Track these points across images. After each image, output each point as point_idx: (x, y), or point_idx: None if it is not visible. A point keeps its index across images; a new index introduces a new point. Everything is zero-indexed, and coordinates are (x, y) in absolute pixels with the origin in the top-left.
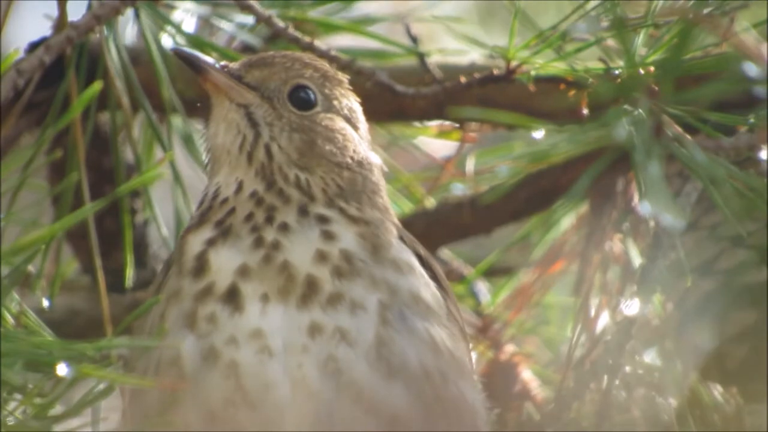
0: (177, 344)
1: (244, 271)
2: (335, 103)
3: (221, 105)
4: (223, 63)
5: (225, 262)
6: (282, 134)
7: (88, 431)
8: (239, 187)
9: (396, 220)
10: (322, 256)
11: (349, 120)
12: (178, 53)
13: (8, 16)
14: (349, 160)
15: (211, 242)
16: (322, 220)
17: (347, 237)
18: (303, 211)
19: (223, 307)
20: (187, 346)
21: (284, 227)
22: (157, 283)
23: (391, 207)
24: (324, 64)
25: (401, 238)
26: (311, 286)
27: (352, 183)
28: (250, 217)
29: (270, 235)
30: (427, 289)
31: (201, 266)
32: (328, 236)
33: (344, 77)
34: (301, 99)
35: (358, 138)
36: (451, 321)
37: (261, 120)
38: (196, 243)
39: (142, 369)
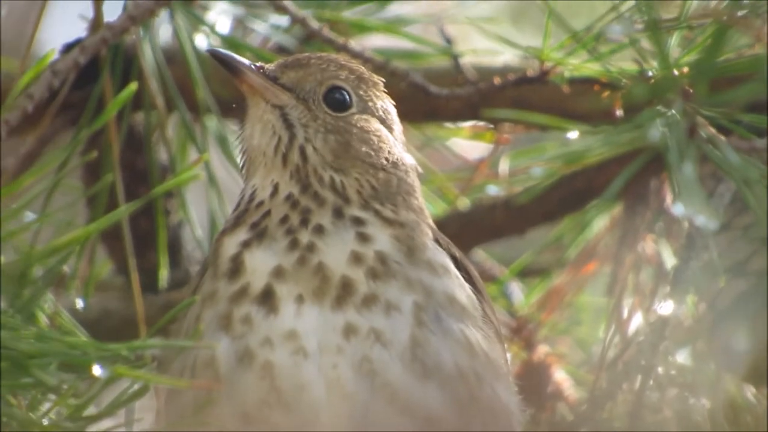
0: (212, 345)
1: (278, 273)
2: (370, 104)
3: (257, 106)
4: (258, 64)
5: (260, 264)
6: (317, 135)
7: None
8: (275, 190)
9: (431, 222)
10: (357, 258)
11: (383, 121)
12: (213, 54)
13: (43, 16)
14: (384, 162)
15: (246, 244)
16: (357, 222)
17: (382, 239)
18: (338, 213)
19: (258, 308)
20: (222, 347)
21: (319, 229)
22: (192, 285)
23: (426, 208)
24: (359, 66)
25: (436, 240)
26: (346, 287)
27: (387, 184)
28: (285, 219)
29: (305, 237)
30: (462, 291)
31: (236, 268)
32: (363, 238)
33: (379, 79)
34: (336, 100)
35: (392, 139)
36: (487, 323)
37: (296, 121)
38: (231, 245)
39: (177, 370)
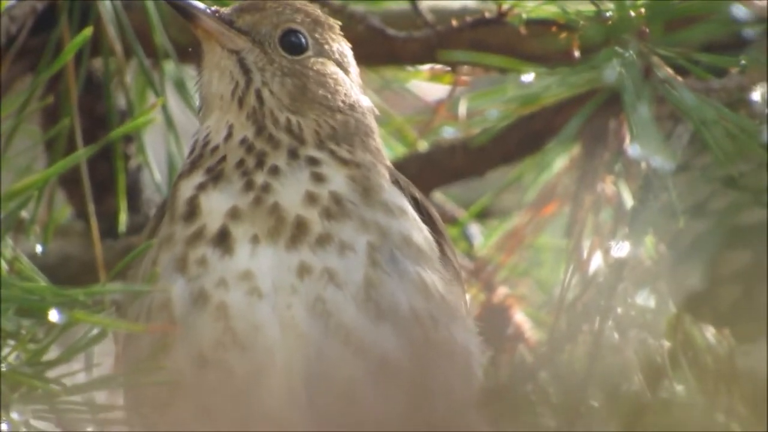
0: (167, 288)
1: (234, 214)
2: (326, 47)
3: (212, 51)
4: (214, 8)
5: (215, 206)
6: (274, 79)
7: (81, 376)
8: (229, 133)
9: (389, 164)
10: (311, 198)
11: (340, 64)
12: (168, 0)
13: None
14: (341, 104)
15: (201, 187)
16: (312, 161)
17: (337, 179)
18: (293, 154)
19: (213, 249)
20: (178, 289)
21: (274, 170)
22: (149, 229)
23: (384, 150)
24: (315, 9)
25: (395, 182)
26: (300, 227)
27: (345, 126)
28: (240, 163)
29: (260, 178)
30: (419, 233)
31: (192, 210)
32: (318, 178)
33: (335, 22)
34: (292, 43)
35: (349, 82)
36: (445, 265)
37: (252, 65)
38: (187, 188)
39: (133, 314)
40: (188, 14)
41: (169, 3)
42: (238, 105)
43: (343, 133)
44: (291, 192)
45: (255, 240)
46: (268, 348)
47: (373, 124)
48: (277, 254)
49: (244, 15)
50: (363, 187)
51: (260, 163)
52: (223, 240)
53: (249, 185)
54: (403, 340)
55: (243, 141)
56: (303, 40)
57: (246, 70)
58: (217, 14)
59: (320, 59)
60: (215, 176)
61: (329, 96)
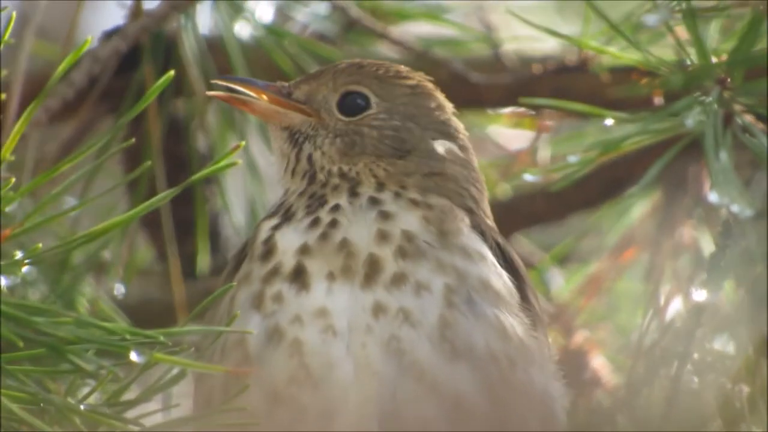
0: (246, 330)
1: (304, 250)
2: (391, 102)
3: (271, 129)
4: (272, 84)
5: (288, 244)
6: (324, 141)
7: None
8: (288, 190)
9: (481, 209)
10: (383, 236)
11: (410, 117)
12: (217, 95)
13: (83, 2)
14: (400, 152)
15: (276, 227)
16: (375, 201)
17: (409, 219)
18: (353, 193)
19: (289, 286)
20: (252, 325)
21: (336, 208)
22: (227, 271)
23: (479, 197)
24: (381, 66)
25: (476, 227)
26: (373, 265)
27: (405, 170)
28: (307, 207)
29: (325, 215)
30: (498, 278)
31: (269, 249)
32: (385, 216)
33: (409, 72)
34: (351, 105)
35: (419, 132)
36: (525, 311)
37: (302, 137)
38: (264, 230)
39: (209, 351)
40: (241, 102)
41: (220, 96)
42: (291, 176)
43: (405, 177)
44: (359, 228)
45: (331, 277)
46: (341, 385)
47: (454, 169)
48: (353, 293)
49: (302, 85)
50: (439, 229)
51: (323, 203)
52: (299, 276)
53: (316, 222)
54: (479, 380)
55: (303, 192)
56: (362, 101)
57: (295, 143)
58: (275, 88)
59: (382, 115)
60: (288, 217)
61: (383, 147)
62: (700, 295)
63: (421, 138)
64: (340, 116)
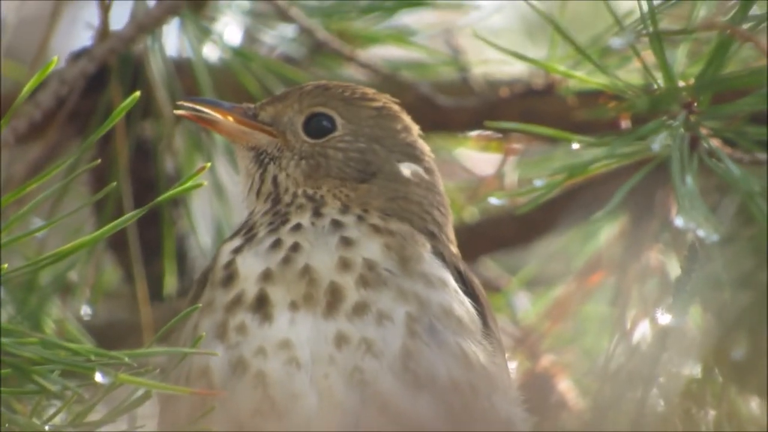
0: (213, 353)
1: (267, 276)
2: (357, 124)
3: (237, 149)
4: (237, 105)
5: (249, 270)
6: (290, 163)
7: None
8: (253, 210)
9: (443, 233)
10: (345, 264)
11: (375, 139)
12: (185, 115)
13: (55, 23)
14: (365, 175)
15: (237, 250)
16: (338, 225)
17: (371, 246)
18: (317, 213)
19: (252, 316)
20: (217, 357)
21: (297, 227)
22: (192, 294)
23: (440, 219)
24: (347, 88)
25: (437, 253)
26: (335, 294)
27: (368, 194)
28: (270, 224)
29: (287, 237)
30: (460, 305)
31: (230, 275)
32: (348, 243)
33: (371, 96)
34: (317, 127)
35: (385, 154)
36: (487, 337)
37: (268, 158)
38: (225, 253)
39: (173, 380)
40: (208, 121)
41: (185, 116)
42: (255, 197)
43: (367, 201)
44: (322, 254)
45: (293, 307)
46: (305, 417)
47: (417, 193)
48: (315, 322)
49: (267, 107)
50: (400, 256)
51: (285, 222)
52: (261, 305)
53: (277, 243)
54: (442, 409)
55: (267, 211)
56: (328, 123)
57: (260, 163)
58: (239, 111)
59: (347, 137)
60: (249, 238)
61: (348, 170)
62: (666, 318)
63: (386, 160)
64: (305, 138)
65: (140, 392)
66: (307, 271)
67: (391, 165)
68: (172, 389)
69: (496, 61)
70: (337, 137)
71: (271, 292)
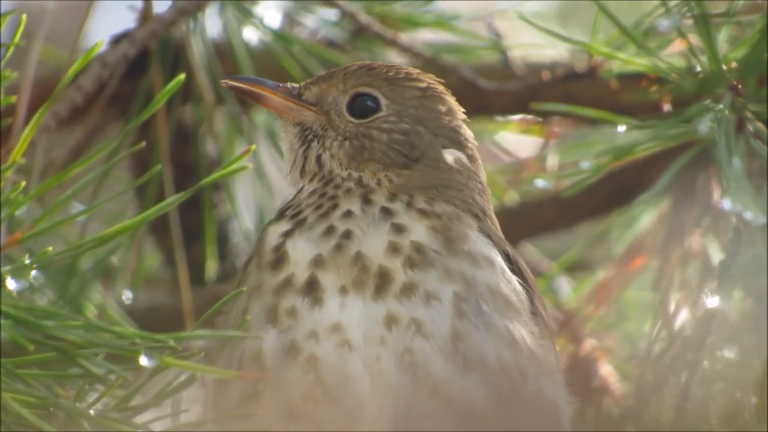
0: (259, 336)
1: (318, 262)
2: (401, 104)
3: (283, 125)
4: (282, 84)
5: (301, 254)
6: (333, 144)
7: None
8: (301, 189)
9: (487, 218)
10: (394, 248)
11: (420, 120)
12: (231, 87)
13: (92, 7)
14: (408, 160)
15: (287, 234)
16: (388, 212)
17: (418, 229)
18: (366, 200)
19: (303, 299)
20: (269, 340)
21: (349, 214)
22: (239, 278)
23: (482, 204)
24: (392, 67)
25: (484, 233)
26: (383, 276)
27: (411, 178)
28: (318, 207)
29: (339, 223)
30: (507, 285)
31: (279, 258)
32: (399, 229)
33: (420, 75)
34: (360, 107)
35: (429, 137)
36: (534, 318)
37: (312, 134)
38: (273, 236)
39: (224, 364)
40: (255, 95)
41: (233, 89)
42: (299, 174)
43: (414, 185)
44: (374, 241)
45: (343, 291)
46: (357, 401)
47: (459, 177)
48: (365, 305)
49: (312, 86)
50: (445, 237)
51: (334, 207)
52: (311, 290)
53: (330, 230)
54: (491, 392)
55: (313, 191)
56: (372, 103)
57: (304, 140)
58: (284, 89)
59: (392, 118)
60: (299, 222)
61: (391, 153)
62: (711, 302)
63: (430, 144)
64: (349, 118)
65: (184, 376)
66: (359, 257)
67: (435, 150)
68: (218, 372)
69: (534, 45)
70: (381, 117)
71: (321, 277)
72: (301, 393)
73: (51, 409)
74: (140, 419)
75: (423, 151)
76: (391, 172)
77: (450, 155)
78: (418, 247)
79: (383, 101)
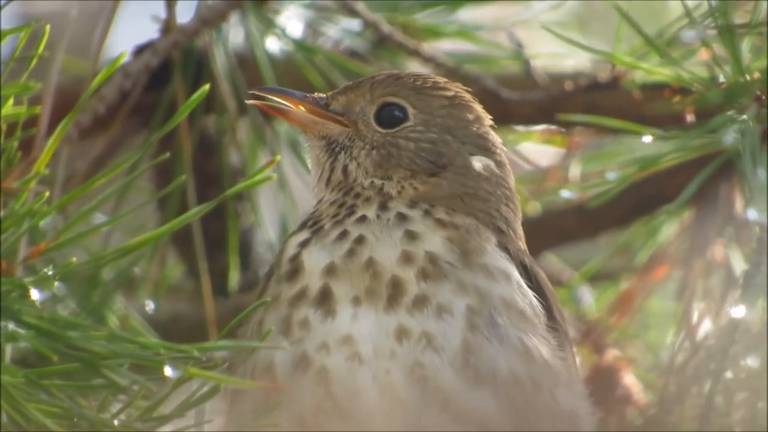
0: (281, 346)
1: (331, 270)
2: (429, 113)
3: (308, 139)
4: (308, 95)
5: (314, 263)
6: (360, 153)
7: None
8: (322, 199)
9: (512, 229)
10: (407, 258)
11: (447, 129)
12: (255, 104)
13: (114, 17)
14: (435, 168)
15: (304, 244)
16: (403, 218)
17: (434, 240)
18: (383, 206)
19: (315, 311)
20: (280, 352)
21: (363, 219)
22: (260, 289)
23: (512, 216)
24: (420, 77)
25: (502, 247)
26: (396, 287)
27: (437, 188)
28: (336, 215)
29: (353, 228)
30: (523, 298)
31: (295, 269)
32: (412, 236)
33: (447, 84)
34: (389, 117)
35: (456, 146)
36: (552, 331)
37: (339, 147)
38: (291, 246)
39: (239, 376)
40: (279, 110)
41: (258, 105)
42: (325, 185)
43: (436, 195)
44: (386, 247)
45: (356, 302)
46: (367, 414)
47: (486, 186)
48: (377, 317)
49: (339, 96)
50: (462, 249)
51: (351, 213)
52: (324, 301)
53: (343, 235)
54: (503, 405)
55: (334, 201)
56: (400, 112)
57: (331, 152)
58: (313, 99)
59: (419, 127)
60: (316, 231)
61: (418, 161)
62: (734, 311)
63: (457, 152)
64: (377, 128)
65: (208, 387)
66: (371, 264)
67: (463, 158)
68: (241, 384)
69: (556, 55)
70: (408, 127)
71: (334, 287)
72: (312, 405)
73: (74, 419)
74: (164, 430)
75: (450, 159)
76: (417, 179)
77: (478, 162)
78: (432, 258)
79: (411, 111)
